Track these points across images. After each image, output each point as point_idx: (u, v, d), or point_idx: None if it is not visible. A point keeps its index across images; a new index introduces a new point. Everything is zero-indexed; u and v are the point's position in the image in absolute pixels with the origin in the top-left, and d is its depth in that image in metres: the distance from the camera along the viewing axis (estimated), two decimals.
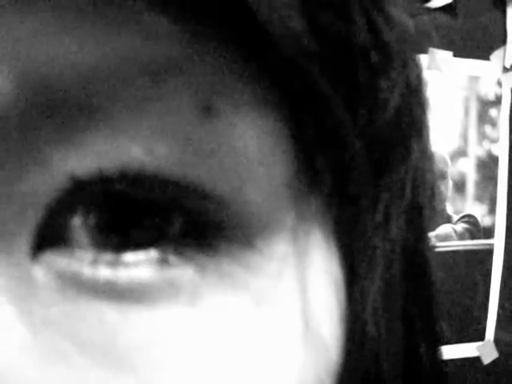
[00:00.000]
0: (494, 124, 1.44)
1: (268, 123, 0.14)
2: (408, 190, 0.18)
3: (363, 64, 0.15)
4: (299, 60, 0.13)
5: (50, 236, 0.14)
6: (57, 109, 0.13)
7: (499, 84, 1.41)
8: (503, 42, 1.39)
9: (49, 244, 0.14)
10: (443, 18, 1.32)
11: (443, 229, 1.42)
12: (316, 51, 0.14)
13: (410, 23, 0.17)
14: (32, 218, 0.14)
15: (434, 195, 0.21)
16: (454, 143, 1.44)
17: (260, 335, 0.15)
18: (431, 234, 0.22)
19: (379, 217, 0.17)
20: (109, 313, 0.14)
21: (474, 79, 1.41)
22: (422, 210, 0.20)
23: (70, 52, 0.12)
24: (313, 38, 0.13)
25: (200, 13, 0.13)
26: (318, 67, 0.14)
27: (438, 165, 1.30)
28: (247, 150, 0.14)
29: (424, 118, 0.19)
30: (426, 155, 0.20)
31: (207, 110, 0.14)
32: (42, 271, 0.14)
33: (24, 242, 0.14)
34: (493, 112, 1.44)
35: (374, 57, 0.15)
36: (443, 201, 1.40)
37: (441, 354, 0.22)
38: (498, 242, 1.46)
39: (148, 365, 0.14)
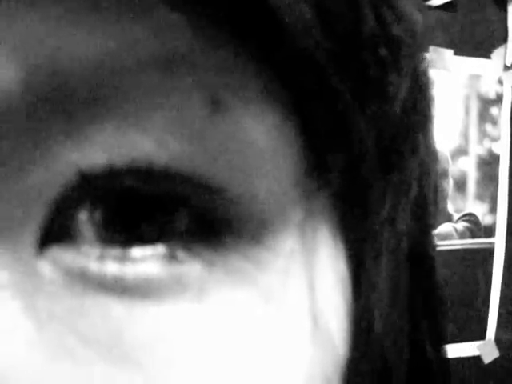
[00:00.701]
0: (494, 122, 1.44)
1: (276, 119, 0.14)
2: (414, 185, 0.18)
3: (372, 57, 0.15)
4: (308, 51, 0.13)
5: (56, 231, 0.14)
6: (64, 102, 0.13)
7: (500, 82, 1.41)
8: (504, 40, 1.39)
9: (55, 239, 0.14)
10: (444, 16, 1.32)
11: (444, 227, 1.42)
12: (325, 42, 0.13)
13: (418, 19, 0.16)
14: (38, 213, 0.14)
15: (437, 192, 0.21)
16: (455, 142, 1.44)
17: (268, 331, 0.15)
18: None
19: (386, 213, 0.17)
20: (115, 308, 0.14)
21: (475, 77, 1.41)
22: (427, 206, 0.20)
23: (79, 44, 0.12)
24: (321, 29, 0.13)
25: (209, 6, 0.13)
26: (327, 59, 0.14)
27: (440, 163, 1.30)
28: (256, 145, 0.14)
29: (430, 114, 0.19)
30: (431, 151, 0.20)
31: (216, 105, 0.13)
32: (47, 266, 0.14)
33: (30, 237, 0.14)
34: (494, 110, 1.44)
35: (383, 50, 0.15)
36: (444, 199, 1.40)
37: (445, 350, 0.22)
38: (499, 241, 1.46)
39: (154, 361, 0.14)
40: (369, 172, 0.16)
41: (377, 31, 0.15)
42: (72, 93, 0.13)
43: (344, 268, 0.17)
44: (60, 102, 0.13)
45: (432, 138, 0.19)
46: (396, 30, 0.15)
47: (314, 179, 0.15)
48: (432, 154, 0.20)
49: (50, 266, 0.14)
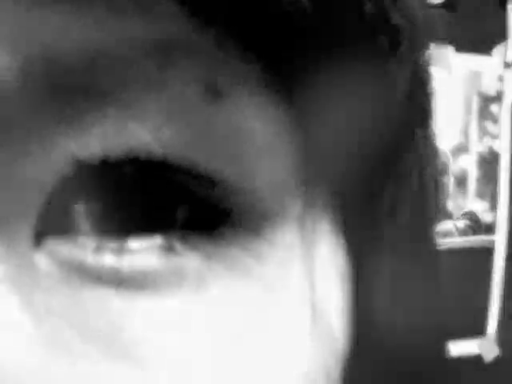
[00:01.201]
0: (495, 120, 1.44)
1: (275, 110, 0.14)
2: (414, 180, 0.18)
3: (371, 45, 0.14)
4: (305, 38, 0.13)
5: (52, 223, 0.14)
6: (61, 91, 0.13)
7: (501, 80, 1.41)
8: (505, 37, 1.39)
9: (51, 231, 0.14)
10: (445, 13, 1.32)
11: (444, 225, 1.42)
12: (322, 28, 0.13)
13: (419, 12, 0.16)
14: (34, 204, 0.13)
15: (438, 188, 0.21)
16: (455, 139, 1.44)
17: (267, 324, 0.15)
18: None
19: (386, 207, 0.17)
20: (113, 301, 0.14)
21: (476, 75, 1.41)
22: (428, 201, 0.20)
23: (76, 33, 0.12)
24: (319, 16, 0.13)
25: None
26: (325, 46, 0.14)
27: (440, 160, 1.30)
28: (254, 136, 0.14)
29: (429, 109, 0.19)
30: (431, 147, 0.20)
31: (215, 95, 0.13)
32: (44, 259, 0.14)
33: (26, 230, 0.13)
34: (494, 108, 1.44)
35: (382, 38, 0.15)
36: (445, 197, 1.40)
37: (446, 345, 0.22)
38: (500, 239, 1.46)
39: (153, 353, 0.14)
40: (368, 164, 0.16)
41: (377, 19, 0.14)
42: (69, 82, 0.12)
43: (344, 262, 0.17)
44: (56, 91, 0.12)
45: (432, 133, 0.19)
46: (396, 19, 0.15)
47: (313, 171, 0.15)
48: (432, 149, 0.20)
49: (46, 258, 0.14)
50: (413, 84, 0.17)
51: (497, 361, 1.46)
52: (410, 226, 0.19)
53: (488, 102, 1.43)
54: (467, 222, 1.46)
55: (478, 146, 1.46)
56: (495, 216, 1.46)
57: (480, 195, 1.47)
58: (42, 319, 0.13)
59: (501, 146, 1.44)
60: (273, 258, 0.15)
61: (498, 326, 1.47)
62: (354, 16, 0.14)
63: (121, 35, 0.12)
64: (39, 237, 0.14)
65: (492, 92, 1.42)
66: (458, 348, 1.41)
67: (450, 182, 1.43)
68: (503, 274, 1.46)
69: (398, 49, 0.15)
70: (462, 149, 1.44)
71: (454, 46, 1.34)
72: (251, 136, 0.14)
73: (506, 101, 1.41)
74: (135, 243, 0.14)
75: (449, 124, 1.41)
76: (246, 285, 0.15)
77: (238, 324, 0.14)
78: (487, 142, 1.46)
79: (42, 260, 0.14)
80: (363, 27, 0.14)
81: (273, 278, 0.15)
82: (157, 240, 0.14)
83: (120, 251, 0.14)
